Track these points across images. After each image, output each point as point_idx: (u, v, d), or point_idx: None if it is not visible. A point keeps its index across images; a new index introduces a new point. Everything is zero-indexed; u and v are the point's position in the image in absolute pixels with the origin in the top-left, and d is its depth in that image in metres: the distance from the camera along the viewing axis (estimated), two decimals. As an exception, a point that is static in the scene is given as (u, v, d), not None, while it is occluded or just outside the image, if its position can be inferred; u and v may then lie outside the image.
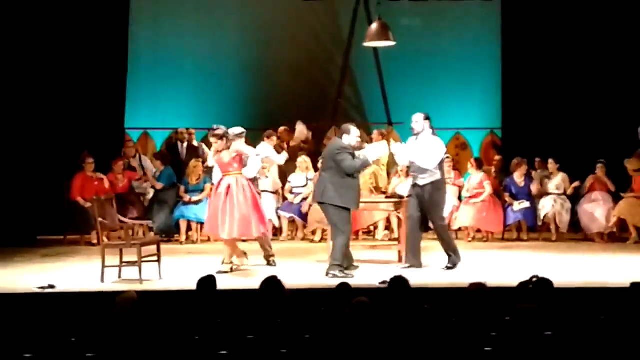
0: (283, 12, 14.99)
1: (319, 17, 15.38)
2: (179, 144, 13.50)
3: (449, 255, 9.61)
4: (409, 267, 9.44)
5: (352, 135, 9.45)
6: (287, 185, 12.79)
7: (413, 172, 9.70)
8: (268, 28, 15.10)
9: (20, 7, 12.82)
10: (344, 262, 9.16)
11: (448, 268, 9.51)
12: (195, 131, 13.68)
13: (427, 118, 9.60)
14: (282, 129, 13.35)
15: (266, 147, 11.21)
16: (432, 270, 9.46)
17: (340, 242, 9.16)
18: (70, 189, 12.12)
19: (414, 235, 9.63)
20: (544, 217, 12.48)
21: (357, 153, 9.31)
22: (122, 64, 14.09)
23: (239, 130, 9.73)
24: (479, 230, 12.63)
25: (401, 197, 10.15)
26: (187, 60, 14.77)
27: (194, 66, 14.80)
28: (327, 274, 9.02)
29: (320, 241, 12.11)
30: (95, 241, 11.52)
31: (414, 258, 9.59)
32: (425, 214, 9.59)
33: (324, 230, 12.02)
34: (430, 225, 9.77)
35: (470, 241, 12.27)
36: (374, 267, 9.66)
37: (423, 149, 9.52)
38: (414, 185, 9.66)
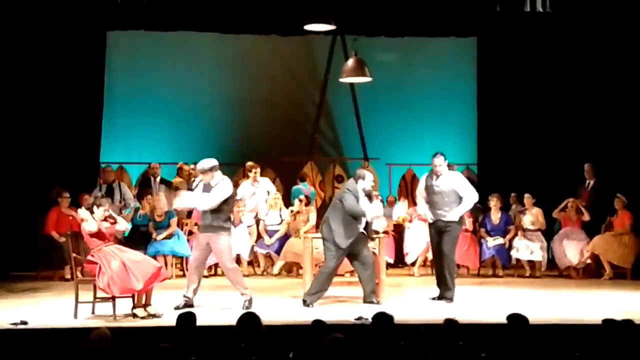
0: (259, 47, 15.05)
1: (296, 53, 15.48)
2: (152, 178, 13.44)
3: (449, 289, 9.77)
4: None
5: (366, 181, 9.62)
6: (261, 224, 12.77)
7: (437, 209, 9.80)
8: (244, 63, 15.18)
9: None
10: (312, 296, 9.38)
11: (446, 300, 9.72)
12: (169, 165, 13.65)
13: (445, 158, 9.94)
14: (249, 163, 13.31)
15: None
16: (409, 306, 9.45)
17: (318, 274, 9.55)
18: (45, 223, 12.03)
19: (443, 269, 9.83)
20: (517, 259, 12.57)
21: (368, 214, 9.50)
22: (98, 98, 14.04)
23: (208, 164, 9.35)
24: (457, 266, 12.64)
25: (377, 233, 10.14)
26: (163, 95, 14.78)
27: (169, 101, 14.81)
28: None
29: (282, 275, 12.22)
30: (68, 276, 11.42)
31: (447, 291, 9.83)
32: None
33: (297, 266, 12.02)
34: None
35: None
36: (348, 302, 9.63)
37: (458, 185, 9.83)
38: (436, 222, 9.82)
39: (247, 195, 12.96)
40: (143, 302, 8.75)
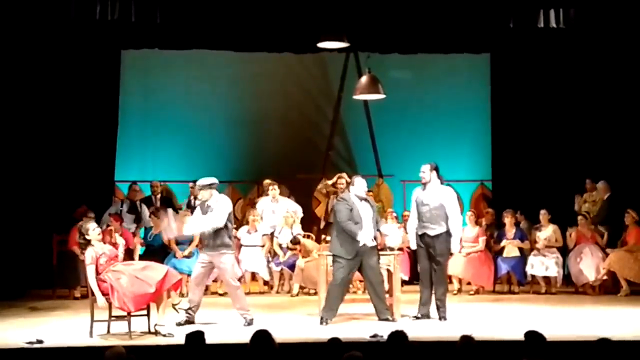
0: (273, 65, 15.09)
1: (309, 71, 15.51)
2: (152, 197, 13.49)
3: (439, 307, 9.64)
4: (421, 317, 9.63)
5: (357, 186, 9.61)
6: (275, 241, 12.74)
7: (424, 222, 9.68)
8: (258, 81, 15.21)
9: (11, 61, 12.86)
10: (328, 312, 9.32)
11: (444, 319, 9.58)
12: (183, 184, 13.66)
13: (434, 168, 9.74)
14: (267, 181, 13.30)
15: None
16: (425, 323, 9.42)
17: (328, 290, 9.45)
18: (68, 240, 11.93)
19: (427, 285, 9.70)
20: (532, 275, 12.50)
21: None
22: (112, 117, 14.11)
23: (208, 180, 9.45)
24: (469, 283, 12.60)
25: (392, 249, 10.12)
26: (177, 113, 14.84)
27: (184, 119, 14.87)
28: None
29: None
30: (79, 295, 11.43)
31: (425, 307, 9.70)
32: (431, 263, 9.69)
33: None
34: None
35: (455, 294, 12.21)
36: (363, 320, 9.60)
37: (447, 202, 9.64)
38: (423, 235, 9.67)
39: (266, 212, 12.94)
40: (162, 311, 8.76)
